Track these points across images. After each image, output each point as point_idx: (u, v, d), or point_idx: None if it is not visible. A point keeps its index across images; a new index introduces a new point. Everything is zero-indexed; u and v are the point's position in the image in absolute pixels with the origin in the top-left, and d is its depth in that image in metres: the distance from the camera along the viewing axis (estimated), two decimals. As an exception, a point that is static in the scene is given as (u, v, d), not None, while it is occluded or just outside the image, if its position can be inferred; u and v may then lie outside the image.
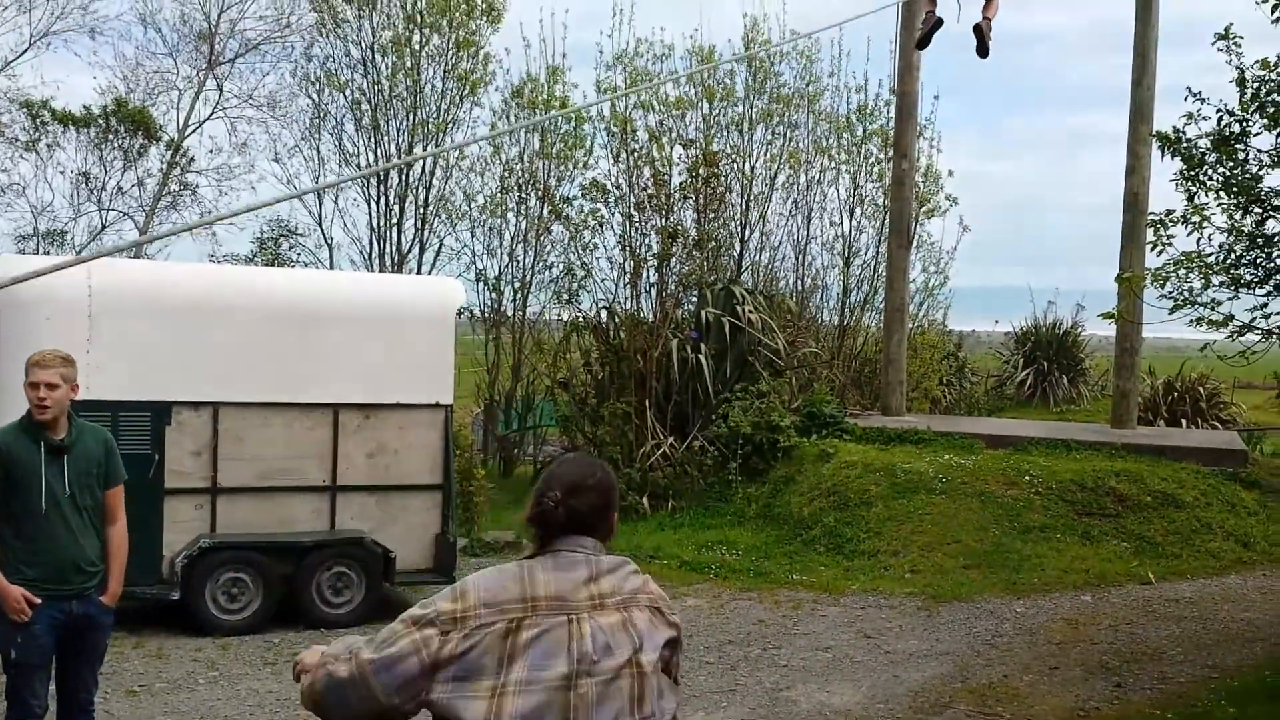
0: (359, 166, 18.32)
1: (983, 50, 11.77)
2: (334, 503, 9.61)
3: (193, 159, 21.22)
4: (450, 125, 18.22)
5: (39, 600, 5.10)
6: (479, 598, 2.82)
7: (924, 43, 11.47)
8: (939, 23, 11.26)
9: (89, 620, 5.34)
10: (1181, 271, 8.06)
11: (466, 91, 18.26)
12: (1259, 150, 8.23)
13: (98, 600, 5.37)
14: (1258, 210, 8.23)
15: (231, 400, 9.24)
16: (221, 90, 21.00)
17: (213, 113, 21.01)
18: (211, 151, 21.66)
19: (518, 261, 18.19)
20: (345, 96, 18.39)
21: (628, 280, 17.00)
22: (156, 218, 20.62)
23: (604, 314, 16.69)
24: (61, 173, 20.34)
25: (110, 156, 20.35)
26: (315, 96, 18.81)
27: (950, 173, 20.45)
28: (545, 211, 17.96)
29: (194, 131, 21.02)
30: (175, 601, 8.95)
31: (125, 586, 8.75)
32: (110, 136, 20.23)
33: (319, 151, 18.88)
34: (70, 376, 5.23)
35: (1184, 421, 19.66)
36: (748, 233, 18.99)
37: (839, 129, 19.77)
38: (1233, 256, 8.18)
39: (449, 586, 2.91)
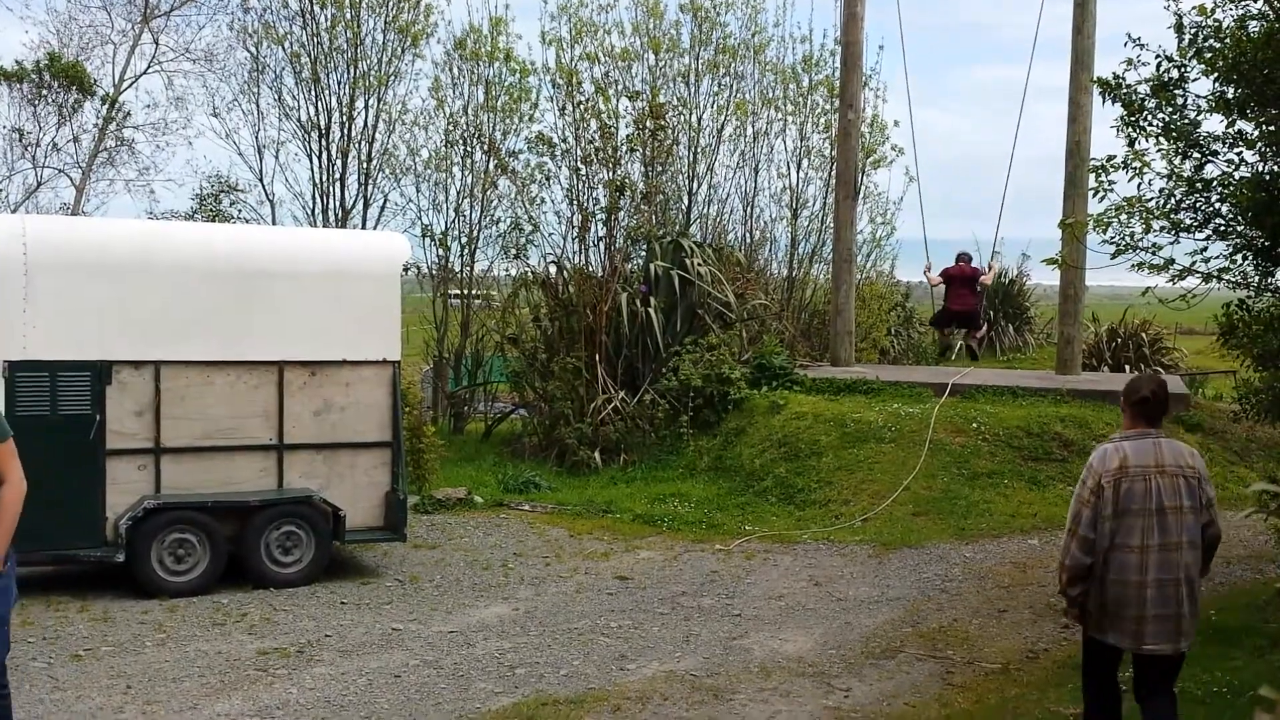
0: (299, 120, 18.00)
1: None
2: (281, 461, 9.51)
3: (129, 114, 20.70)
4: (392, 78, 17.94)
5: None
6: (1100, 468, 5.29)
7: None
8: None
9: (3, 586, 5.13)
10: (1123, 217, 8.11)
11: (408, 43, 17.96)
12: (1197, 96, 8.28)
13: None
14: (1196, 155, 8.28)
15: (174, 359, 9.09)
16: (157, 44, 20.46)
17: (149, 67, 20.48)
18: (148, 106, 21.16)
19: (464, 217, 18.03)
20: (284, 49, 18.01)
21: (576, 234, 16.91)
22: (93, 174, 20.18)
23: (552, 269, 16.60)
24: (-7, 129, 19.84)
25: (44, 112, 19.82)
26: (253, 49, 18.39)
27: (896, 123, 20.50)
28: (491, 166, 17.78)
29: (130, 86, 20.48)
30: (120, 564, 8.83)
31: (69, 549, 8.74)
32: (44, 92, 19.69)
33: (258, 105, 18.50)
34: None
35: (1128, 367, 19.96)
36: (696, 185, 18.96)
37: (785, 80, 19.74)
38: (1172, 201, 8.23)
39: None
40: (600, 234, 16.77)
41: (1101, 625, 5.40)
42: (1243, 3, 7.86)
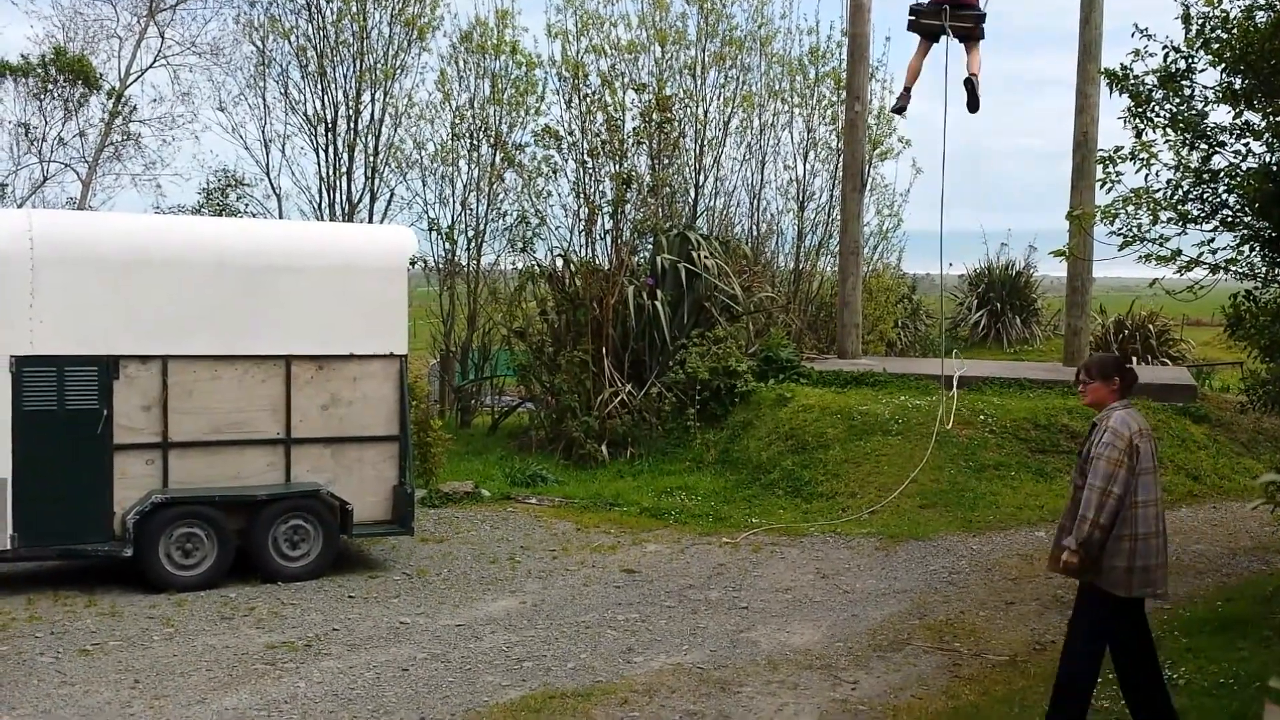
0: (305, 114, 18.02)
1: (973, 104, 12.56)
2: (288, 455, 9.52)
3: (135, 108, 20.77)
4: (398, 71, 17.95)
5: None
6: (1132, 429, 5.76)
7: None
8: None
9: None
10: (1130, 208, 8.09)
11: (414, 36, 17.97)
12: (1204, 86, 8.26)
13: None
14: (1204, 146, 8.27)
15: (181, 353, 9.10)
16: (163, 37, 20.54)
17: (154, 61, 20.56)
18: (154, 101, 21.18)
19: (471, 210, 18.05)
20: (290, 42, 18.06)
21: (582, 228, 16.93)
22: (99, 168, 20.21)
23: (559, 262, 16.60)
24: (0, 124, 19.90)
25: (50, 107, 19.88)
26: (259, 43, 18.46)
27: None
28: (498, 159, 17.80)
29: (136, 80, 20.58)
30: (128, 559, 8.85)
31: (77, 544, 8.76)
32: (50, 86, 19.73)
33: (264, 99, 18.56)
34: None
35: (1135, 358, 19.93)
36: (702, 178, 18.94)
37: (791, 72, 19.70)
38: (1180, 192, 8.22)
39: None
40: (607, 227, 16.78)
41: (1130, 583, 5.76)
42: (1250, -7, 7.83)
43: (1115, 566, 5.74)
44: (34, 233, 8.69)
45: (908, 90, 12.92)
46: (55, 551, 8.86)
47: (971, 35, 12.41)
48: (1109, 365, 6.09)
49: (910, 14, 12.47)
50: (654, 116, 17.17)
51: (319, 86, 17.93)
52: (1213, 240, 8.22)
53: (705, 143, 18.89)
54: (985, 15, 12.44)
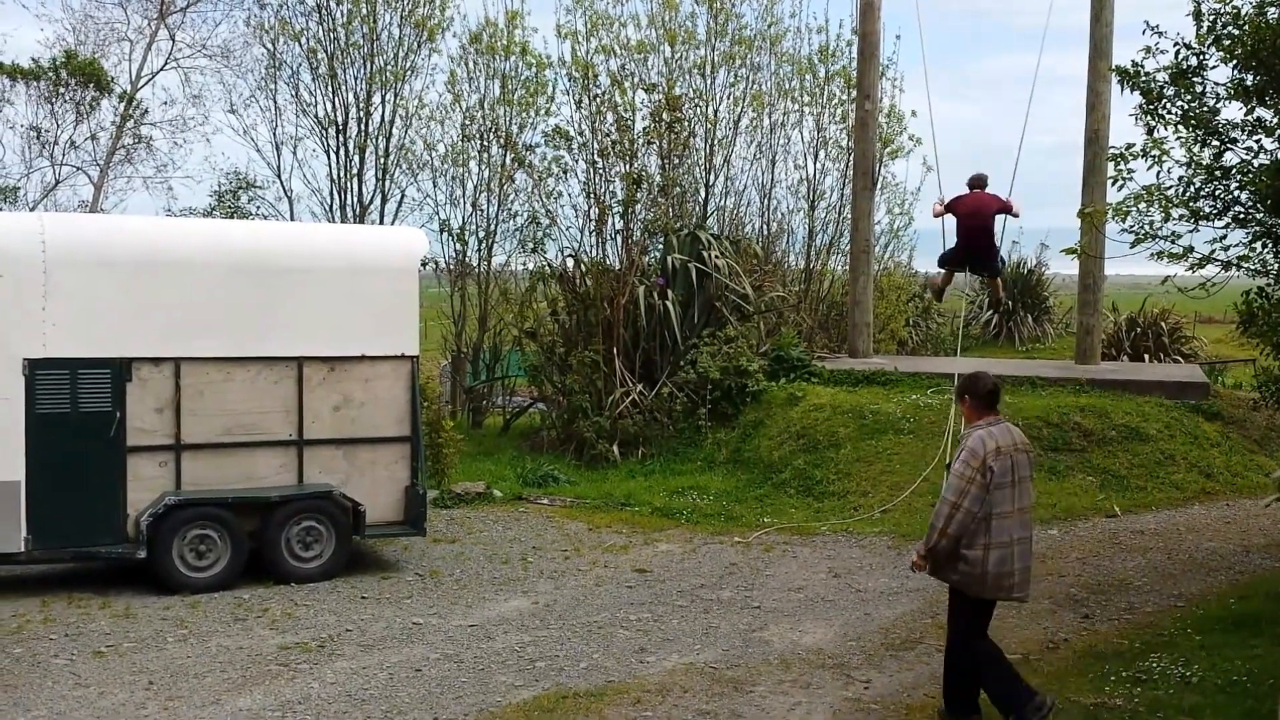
0: (316, 116, 18.05)
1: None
2: (301, 457, 9.55)
3: (146, 111, 20.81)
4: (408, 72, 17.97)
5: None
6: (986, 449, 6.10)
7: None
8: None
9: None
10: (1142, 205, 8.08)
11: (424, 38, 17.98)
12: (1215, 83, 8.24)
13: None
14: (1215, 143, 8.25)
15: (193, 355, 9.13)
16: (174, 40, 20.57)
17: (165, 63, 20.57)
18: (165, 103, 21.22)
19: (481, 211, 18.07)
20: (301, 45, 18.07)
21: (593, 228, 16.93)
22: (111, 171, 20.27)
23: (570, 262, 16.61)
24: (11, 128, 19.96)
25: (62, 110, 19.92)
26: (270, 45, 18.47)
27: (914, 113, 20.42)
28: (508, 160, 17.81)
29: (147, 83, 20.60)
30: (142, 560, 8.89)
31: (91, 546, 8.80)
32: (61, 90, 19.79)
33: (275, 101, 18.58)
34: None
35: (1147, 356, 19.87)
36: (712, 178, 18.91)
37: (801, 71, 19.66)
38: (1192, 189, 8.21)
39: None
40: (617, 227, 16.78)
41: (984, 587, 6.18)
42: (1261, -11, 7.81)
43: (973, 572, 6.14)
44: (46, 236, 8.73)
45: (941, 291, 14.50)
46: (69, 553, 8.90)
47: (992, 276, 13.89)
48: (959, 389, 6.57)
49: (938, 261, 13.69)
50: (664, 116, 17.16)
51: (329, 88, 17.95)
52: (1225, 237, 8.21)
53: (715, 142, 18.87)
54: (1004, 264, 13.86)
